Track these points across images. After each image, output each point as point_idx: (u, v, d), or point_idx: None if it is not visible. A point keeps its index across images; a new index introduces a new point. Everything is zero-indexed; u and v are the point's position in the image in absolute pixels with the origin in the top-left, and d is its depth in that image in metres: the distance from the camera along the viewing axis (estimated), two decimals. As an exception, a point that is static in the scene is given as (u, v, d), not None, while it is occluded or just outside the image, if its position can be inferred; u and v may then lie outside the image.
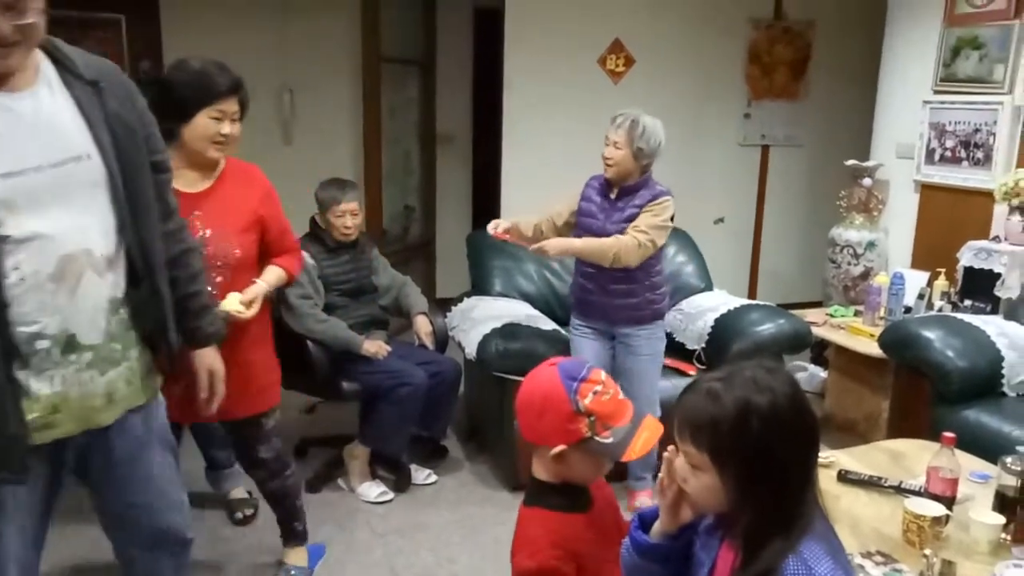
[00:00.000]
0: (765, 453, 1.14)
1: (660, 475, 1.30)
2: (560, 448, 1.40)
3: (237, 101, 2.21)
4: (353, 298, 3.30)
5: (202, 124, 2.14)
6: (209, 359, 1.89)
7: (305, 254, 3.20)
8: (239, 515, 3.01)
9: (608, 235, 2.82)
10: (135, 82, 1.68)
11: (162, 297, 1.66)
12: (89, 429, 1.56)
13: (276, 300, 3.27)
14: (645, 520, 1.35)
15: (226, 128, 2.18)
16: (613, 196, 2.88)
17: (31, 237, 1.41)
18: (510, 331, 3.20)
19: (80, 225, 1.48)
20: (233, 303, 2.21)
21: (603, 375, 1.45)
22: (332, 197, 3.23)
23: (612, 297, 2.92)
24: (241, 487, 3.07)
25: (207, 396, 1.91)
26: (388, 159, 5.18)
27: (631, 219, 2.82)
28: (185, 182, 2.15)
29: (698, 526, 1.31)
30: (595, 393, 1.40)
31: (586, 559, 1.42)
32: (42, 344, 1.45)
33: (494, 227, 2.90)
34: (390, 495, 3.20)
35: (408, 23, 5.48)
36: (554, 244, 2.79)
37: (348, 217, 3.23)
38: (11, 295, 1.40)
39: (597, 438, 1.39)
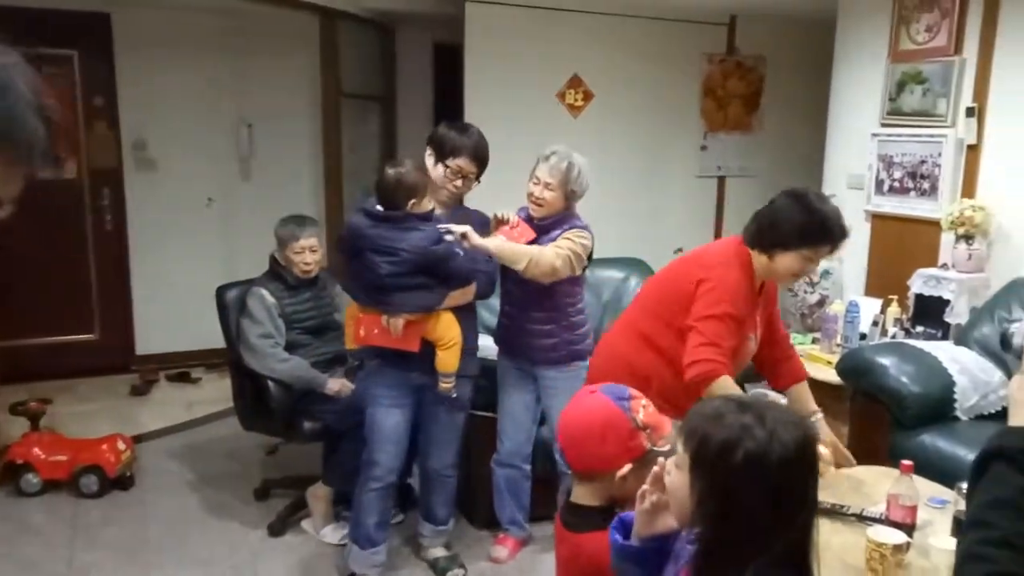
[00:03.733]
0: (734, 488, 1.15)
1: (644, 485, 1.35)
2: (627, 468, 1.47)
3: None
4: (315, 336, 3.27)
5: (799, 262, 2.29)
6: None
7: (264, 292, 3.18)
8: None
9: None
10: None
11: None
12: None
13: (236, 341, 3.23)
14: (626, 524, 1.40)
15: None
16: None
17: None
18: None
19: None
20: None
21: (636, 391, 1.54)
22: (291, 234, 3.21)
23: (531, 337, 2.86)
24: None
25: None
26: (349, 194, 5.17)
27: None
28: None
29: (673, 538, 1.34)
30: (643, 406, 1.52)
31: None
32: None
33: None
34: (355, 536, 3.14)
35: (368, 58, 5.51)
36: (473, 236, 2.58)
37: (307, 254, 3.21)
38: None
39: (655, 448, 1.49)
